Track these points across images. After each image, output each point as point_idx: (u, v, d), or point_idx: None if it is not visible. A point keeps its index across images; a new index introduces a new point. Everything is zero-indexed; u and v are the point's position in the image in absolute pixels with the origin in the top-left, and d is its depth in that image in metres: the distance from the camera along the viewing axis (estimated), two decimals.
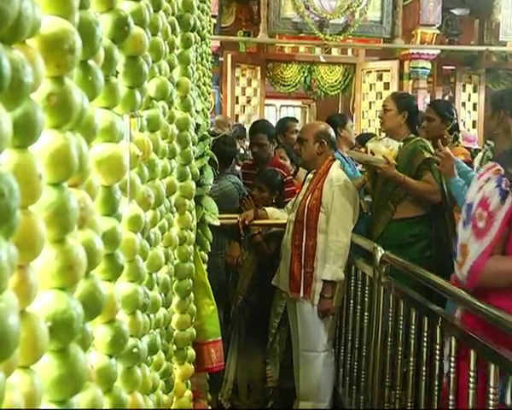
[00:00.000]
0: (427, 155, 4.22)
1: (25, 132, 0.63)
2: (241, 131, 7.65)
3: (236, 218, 4.56)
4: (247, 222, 4.45)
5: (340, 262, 3.96)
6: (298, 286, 4.04)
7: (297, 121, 6.67)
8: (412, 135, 4.42)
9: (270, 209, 4.55)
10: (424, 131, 4.87)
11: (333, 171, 4.09)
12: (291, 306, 4.24)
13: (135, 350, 1.14)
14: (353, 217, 4.06)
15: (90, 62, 0.86)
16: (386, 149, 4.26)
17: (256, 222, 4.54)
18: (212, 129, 5.94)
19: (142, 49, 1.18)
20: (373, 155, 4.30)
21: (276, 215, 4.53)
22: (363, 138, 5.88)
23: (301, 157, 4.29)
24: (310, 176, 4.22)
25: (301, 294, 4.03)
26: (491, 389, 2.49)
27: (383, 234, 4.27)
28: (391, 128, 4.46)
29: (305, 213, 4.04)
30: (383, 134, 4.76)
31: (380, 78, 10.84)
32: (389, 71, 10.73)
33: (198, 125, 2.67)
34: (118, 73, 1.12)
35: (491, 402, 2.49)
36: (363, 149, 4.62)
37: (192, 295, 2.24)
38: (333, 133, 4.28)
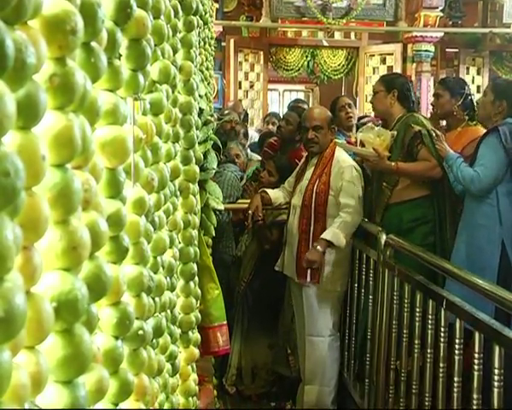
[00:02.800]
0: (417, 129, 4.02)
1: (28, 113, 0.63)
2: (244, 116, 7.66)
3: (241, 204, 4.57)
4: (257, 215, 4.44)
5: (347, 230, 3.97)
6: (305, 271, 4.03)
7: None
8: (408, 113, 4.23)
9: (271, 192, 4.50)
10: (433, 109, 4.72)
11: (338, 154, 4.11)
12: (296, 291, 4.24)
13: (140, 332, 1.14)
14: (362, 197, 4.07)
15: (93, 44, 0.86)
16: (378, 139, 4.09)
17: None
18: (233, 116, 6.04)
19: (144, 32, 1.18)
20: (362, 146, 4.16)
21: (281, 200, 4.50)
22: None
23: (318, 145, 4.22)
24: (314, 161, 4.20)
25: (308, 279, 4.02)
26: (496, 370, 2.50)
27: (382, 221, 4.09)
28: (382, 110, 4.32)
29: (313, 197, 4.04)
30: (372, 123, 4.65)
31: (383, 61, 10.79)
32: (392, 54, 10.68)
33: (201, 110, 2.67)
34: (121, 55, 1.12)
35: (495, 383, 2.50)
36: (353, 139, 4.41)
37: (196, 278, 2.25)
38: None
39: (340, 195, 4.00)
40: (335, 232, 3.92)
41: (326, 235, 3.93)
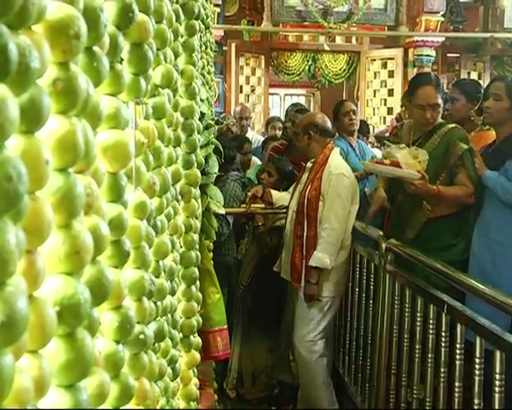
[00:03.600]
0: (465, 147, 3.75)
1: (31, 118, 0.63)
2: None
3: (242, 207, 4.57)
4: (258, 194, 4.45)
5: (329, 250, 3.93)
6: (299, 276, 4.03)
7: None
8: (441, 120, 3.97)
9: (274, 193, 4.52)
10: (448, 113, 4.45)
11: (332, 159, 4.09)
12: (295, 294, 4.26)
13: (141, 336, 1.14)
14: (350, 206, 4.03)
15: (95, 49, 0.86)
16: (413, 160, 3.73)
17: (261, 211, 4.54)
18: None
19: (146, 36, 1.18)
20: (395, 166, 3.77)
21: (281, 201, 4.51)
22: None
23: (298, 150, 4.35)
24: (309, 165, 4.21)
25: (302, 283, 4.02)
26: (497, 375, 2.49)
27: (417, 238, 3.81)
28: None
29: (305, 203, 4.04)
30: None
31: (384, 66, 10.81)
32: (393, 59, 10.70)
33: (203, 114, 2.67)
34: (123, 60, 1.12)
35: (496, 388, 2.50)
36: (387, 161, 3.89)
37: (198, 283, 2.25)
38: (324, 122, 4.24)
39: (325, 206, 3.99)
40: (319, 257, 3.91)
41: (311, 262, 3.93)
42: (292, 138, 5.26)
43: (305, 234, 4.03)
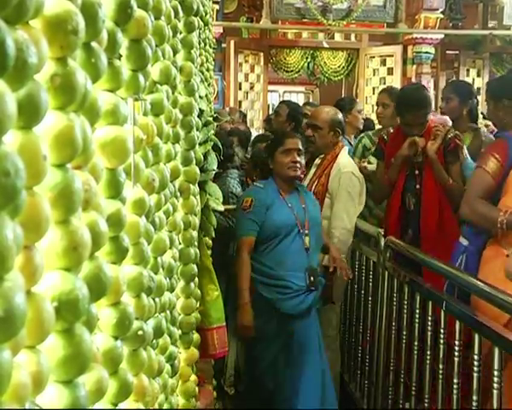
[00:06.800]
0: None
1: (29, 113, 0.63)
2: (242, 119, 7.70)
3: None
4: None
5: (343, 249, 3.95)
6: None
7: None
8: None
9: None
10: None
11: (341, 158, 4.09)
12: None
13: (140, 333, 1.14)
14: (359, 205, 4.05)
15: (93, 44, 0.86)
16: None
17: None
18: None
19: (145, 32, 1.18)
20: None
21: None
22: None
23: (314, 144, 4.23)
24: (317, 161, 4.21)
25: None
26: (496, 372, 2.50)
27: None
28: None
29: None
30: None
31: (383, 63, 10.80)
32: (392, 56, 10.69)
33: (202, 111, 2.67)
34: (121, 56, 1.12)
35: (495, 385, 2.50)
36: None
37: (197, 279, 2.25)
38: (342, 119, 4.28)
39: (335, 204, 3.98)
40: (337, 247, 3.89)
41: (326, 262, 3.85)
42: (276, 128, 5.27)
43: None
